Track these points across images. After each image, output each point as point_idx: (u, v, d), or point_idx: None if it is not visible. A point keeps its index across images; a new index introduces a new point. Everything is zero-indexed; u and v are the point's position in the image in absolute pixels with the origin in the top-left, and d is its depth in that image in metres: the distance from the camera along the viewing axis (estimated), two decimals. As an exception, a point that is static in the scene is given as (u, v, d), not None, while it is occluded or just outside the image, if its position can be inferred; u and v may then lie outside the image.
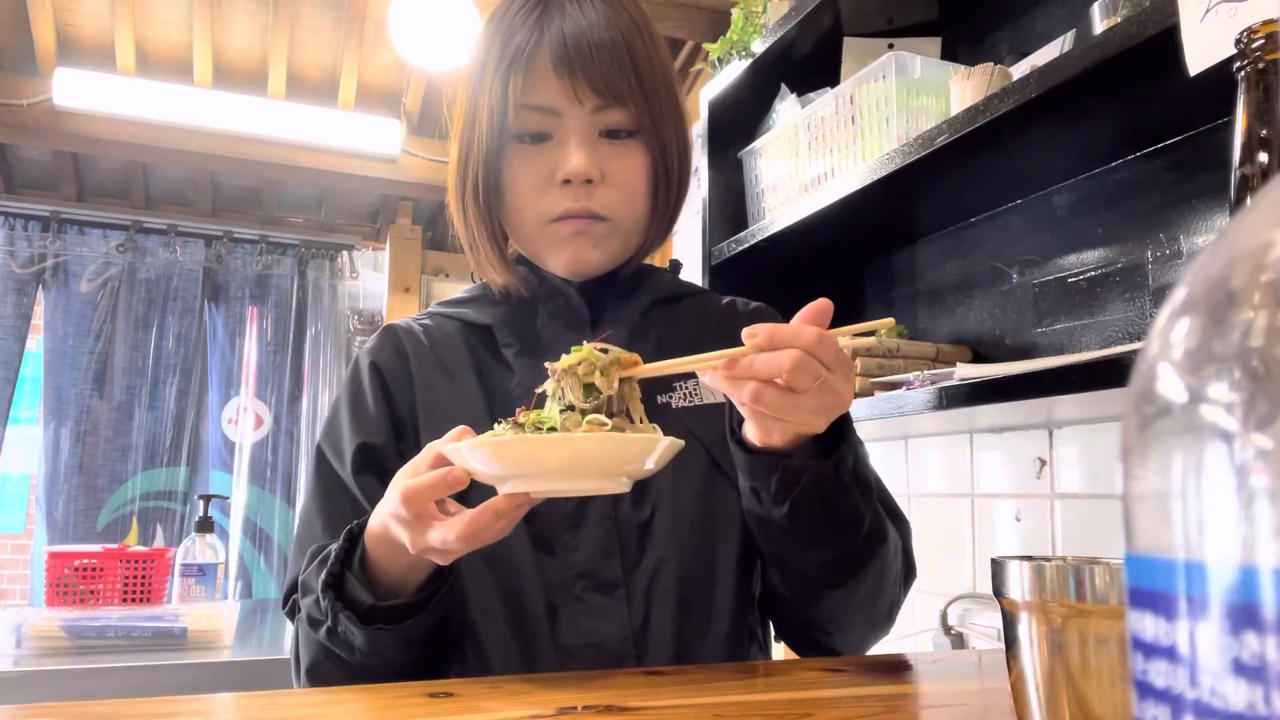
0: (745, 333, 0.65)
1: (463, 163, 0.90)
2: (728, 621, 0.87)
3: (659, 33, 0.91)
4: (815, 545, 0.78)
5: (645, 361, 0.70)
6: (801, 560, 0.81)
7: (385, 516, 0.70)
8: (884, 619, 0.90)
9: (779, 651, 1.01)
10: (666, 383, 0.91)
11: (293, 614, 0.87)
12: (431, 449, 0.69)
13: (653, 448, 0.65)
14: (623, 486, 0.68)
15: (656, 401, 0.90)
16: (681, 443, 0.68)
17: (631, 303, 0.94)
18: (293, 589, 0.88)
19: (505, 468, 0.64)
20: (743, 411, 0.69)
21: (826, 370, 0.64)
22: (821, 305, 0.66)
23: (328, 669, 0.79)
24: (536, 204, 0.87)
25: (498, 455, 0.63)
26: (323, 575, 0.74)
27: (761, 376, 0.64)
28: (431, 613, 0.75)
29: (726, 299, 1.02)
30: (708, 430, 0.89)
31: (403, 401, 0.90)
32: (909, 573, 0.92)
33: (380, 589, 0.75)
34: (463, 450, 0.64)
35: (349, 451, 0.88)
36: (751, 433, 0.73)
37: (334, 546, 0.76)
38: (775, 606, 0.93)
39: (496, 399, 0.89)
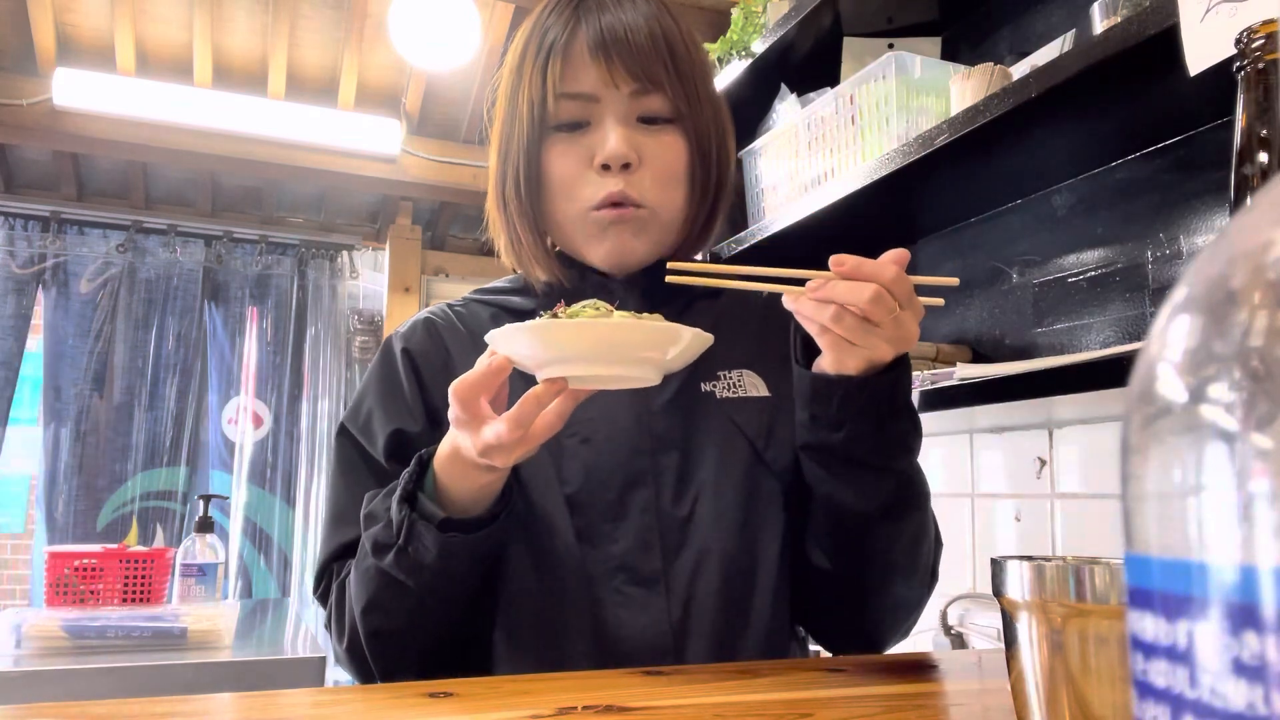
0: (833, 260, 0.69)
1: (502, 159, 0.91)
2: (769, 615, 0.86)
3: (694, 31, 0.92)
4: (869, 471, 0.78)
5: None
6: (853, 491, 0.80)
7: (451, 429, 0.72)
8: (926, 578, 0.88)
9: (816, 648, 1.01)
10: (711, 372, 0.90)
11: (324, 597, 0.87)
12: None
13: (677, 335, 0.68)
14: (652, 377, 0.70)
15: (700, 389, 0.89)
16: (710, 337, 0.71)
17: (676, 298, 0.92)
18: (325, 569, 0.87)
19: (542, 351, 0.67)
20: (817, 338, 0.73)
21: (900, 308, 0.70)
22: (900, 252, 0.72)
23: (387, 603, 0.78)
24: (576, 193, 0.87)
25: (533, 337, 0.66)
26: (397, 492, 0.76)
27: (843, 301, 0.69)
28: (500, 527, 0.77)
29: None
30: (750, 422, 0.88)
31: (436, 388, 0.89)
32: (937, 544, 0.91)
33: (450, 511, 0.76)
34: (504, 335, 0.68)
35: (381, 437, 0.87)
36: (826, 361, 0.75)
37: (405, 472, 0.77)
38: (812, 585, 0.90)
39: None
